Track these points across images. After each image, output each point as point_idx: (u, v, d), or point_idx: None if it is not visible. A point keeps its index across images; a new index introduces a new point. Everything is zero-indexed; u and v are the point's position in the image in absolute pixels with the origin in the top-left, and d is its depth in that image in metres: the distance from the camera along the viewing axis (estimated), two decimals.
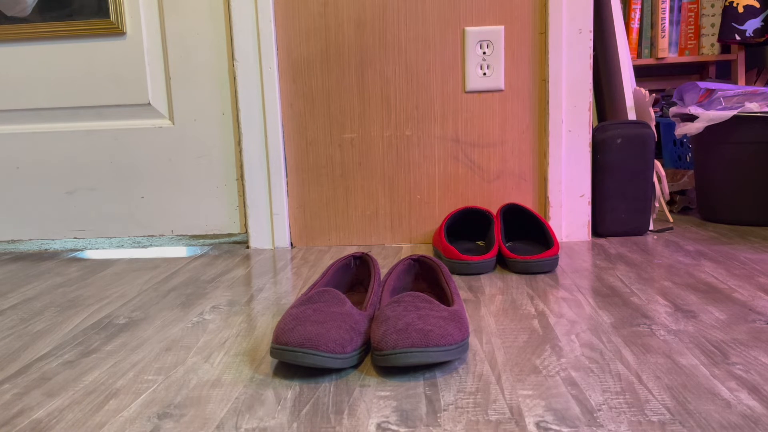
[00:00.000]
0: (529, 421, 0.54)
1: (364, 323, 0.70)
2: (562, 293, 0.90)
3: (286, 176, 1.29)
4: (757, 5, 2.19)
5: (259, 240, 1.31)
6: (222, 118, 1.30)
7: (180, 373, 0.67)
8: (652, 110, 1.32)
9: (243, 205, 1.33)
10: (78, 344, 0.77)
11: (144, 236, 1.36)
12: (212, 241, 1.37)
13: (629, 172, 1.25)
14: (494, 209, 1.28)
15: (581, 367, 0.64)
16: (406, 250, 1.25)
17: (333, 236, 1.31)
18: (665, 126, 1.91)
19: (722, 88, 1.36)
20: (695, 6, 2.34)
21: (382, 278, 0.90)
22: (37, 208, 1.37)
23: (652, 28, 2.36)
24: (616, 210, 1.26)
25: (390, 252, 1.23)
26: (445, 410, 0.56)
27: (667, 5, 2.32)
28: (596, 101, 1.49)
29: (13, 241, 1.40)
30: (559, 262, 1.08)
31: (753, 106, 1.30)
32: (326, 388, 0.62)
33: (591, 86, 1.22)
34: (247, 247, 1.32)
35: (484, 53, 1.22)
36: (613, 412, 0.55)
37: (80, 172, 1.34)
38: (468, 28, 1.22)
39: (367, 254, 0.89)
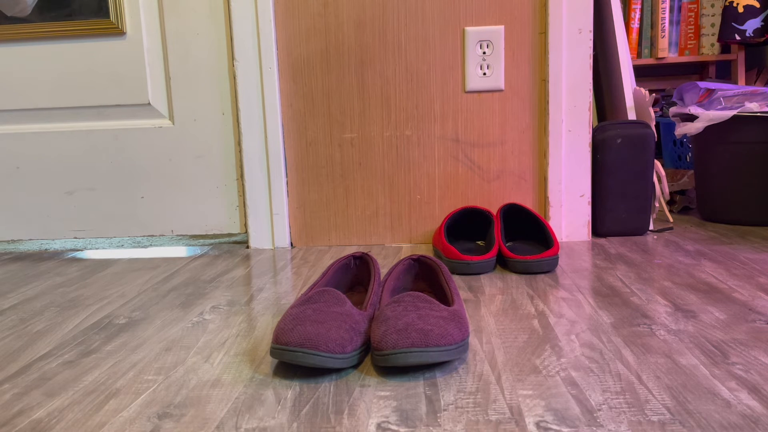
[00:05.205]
0: (529, 421, 0.54)
1: (364, 323, 0.70)
2: (562, 293, 0.90)
3: (286, 176, 1.29)
4: (757, 5, 2.19)
5: (259, 240, 1.31)
6: (222, 118, 1.30)
7: (180, 373, 0.67)
8: (652, 110, 1.32)
9: (243, 205, 1.33)
10: (78, 344, 0.77)
11: (144, 236, 1.36)
12: (212, 241, 1.37)
13: (629, 172, 1.25)
14: (494, 209, 1.28)
15: (581, 367, 0.64)
16: (406, 250, 1.25)
17: (333, 236, 1.31)
18: (665, 126, 1.91)
19: (722, 88, 1.36)
20: (695, 6, 2.34)
21: (382, 278, 0.90)
22: (37, 208, 1.37)
23: (652, 28, 2.36)
24: (616, 210, 1.26)
25: (390, 252, 1.23)
26: (445, 410, 0.56)
27: (667, 5, 2.32)
28: (596, 101, 1.49)
29: (13, 241, 1.40)
30: (559, 262, 1.08)
31: (753, 106, 1.30)
32: (326, 388, 0.62)
33: (591, 86, 1.22)
34: (247, 247, 1.32)
35: (484, 53, 1.22)
36: (613, 412, 0.55)
37: (80, 172, 1.34)
38: (468, 28, 1.22)
39: (367, 254, 0.89)
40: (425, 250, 1.23)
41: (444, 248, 1.07)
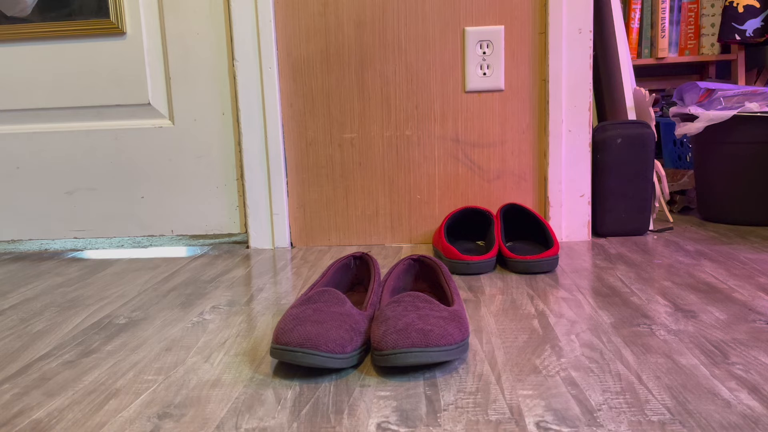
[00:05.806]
0: (529, 421, 0.54)
1: (364, 323, 0.70)
2: (562, 293, 0.90)
3: (286, 176, 1.29)
4: (757, 5, 2.19)
5: (259, 240, 1.31)
6: (222, 118, 1.30)
7: (180, 373, 0.67)
8: (652, 110, 1.32)
9: (243, 205, 1.33)
10: (78, 344, 0.77)
11: (144, 236, 1.36)
12: (212, 241, 1.37)
13: (629, 172, 1.25)
14: (494, 209, 1.28)
15: (581, 367, 0.64)
16: (406, 250, 1.25)
17: (333, 236, 1.31)
18: (665, 126, 1.91)
19: (722, 88, 1.36)
20: (695, 6, 2.34)
21: (382, 278, 0.90)
22: (37, 208, 1.37)
23: (652, 28, 2.36)
24: (616, 210, 1.26)
25: (390, 252, 1.23)
26: (445, 410, 0.56)
27: (667, 5, 2.32)
28: (596, 101, 1.49)
29: (13, 241, 1.40)
30: (559, 262, 1.08)
31: (753, 106, 1.30)
32: (326, 388, 0.62)
33: (591, 86, 1.22)
34: (247, 247, 1.32)
35: (484, 53, 1.22)
36: (613, 412, 0.55)
37: (80, 172, 1.34)
38: (468, 28, 1.22)
39: (367, 254, 0.89)
40: (425, 250, 1.23)
41: (444, 248, 1.07)
